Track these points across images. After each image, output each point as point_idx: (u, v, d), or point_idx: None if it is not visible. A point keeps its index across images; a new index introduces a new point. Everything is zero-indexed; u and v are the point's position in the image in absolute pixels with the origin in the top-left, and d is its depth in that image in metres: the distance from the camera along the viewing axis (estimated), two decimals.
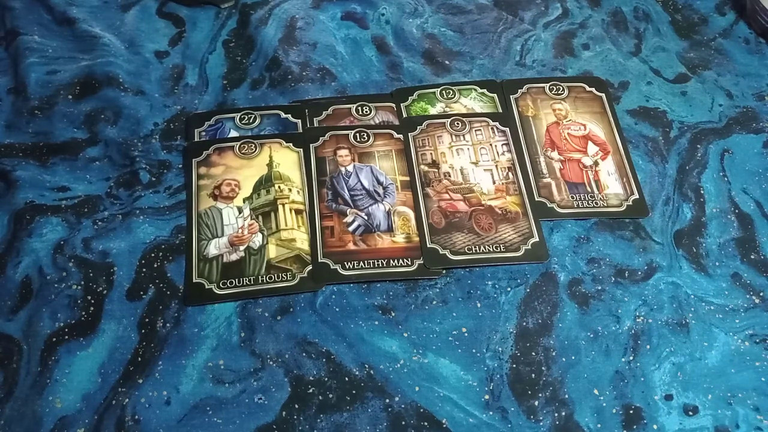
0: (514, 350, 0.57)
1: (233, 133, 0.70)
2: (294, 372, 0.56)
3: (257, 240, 0.62)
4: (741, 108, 0.74)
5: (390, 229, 0.64)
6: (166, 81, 0.75)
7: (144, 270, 0.60)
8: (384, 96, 0.74)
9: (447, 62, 0.78)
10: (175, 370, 0.55)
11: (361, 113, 0.72)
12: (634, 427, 0.54)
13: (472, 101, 0.74)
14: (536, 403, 0.55)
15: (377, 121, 0.72)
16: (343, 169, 0.67)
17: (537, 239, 0.63)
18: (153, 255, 0.61)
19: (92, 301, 0.58)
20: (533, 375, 0.56)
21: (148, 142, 0.69)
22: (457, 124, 0.71)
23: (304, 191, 0.66)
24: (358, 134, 0.70)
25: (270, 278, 0.60)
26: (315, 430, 0.53)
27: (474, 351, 0.57)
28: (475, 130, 0.71)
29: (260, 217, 0.64)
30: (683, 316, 0.59)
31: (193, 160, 0.67)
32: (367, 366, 0.56)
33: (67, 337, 0.56)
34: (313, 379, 0.55)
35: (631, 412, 0.55)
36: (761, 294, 0.61)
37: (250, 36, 0.79)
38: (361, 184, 0.66)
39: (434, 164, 0.68)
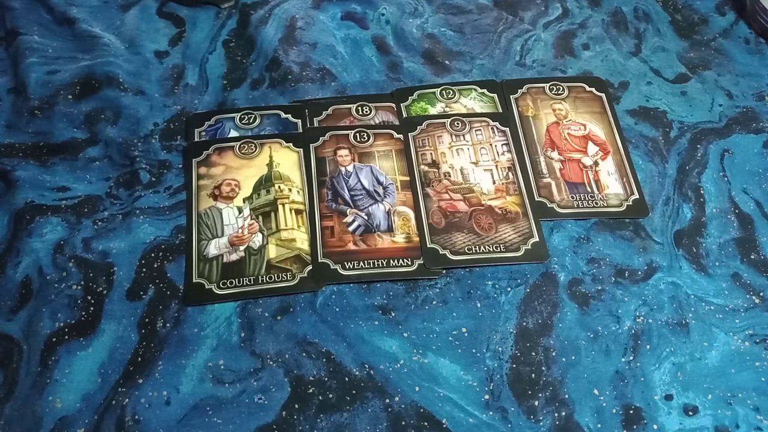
0: (514, 350, 0.57)
1: (233, 133, 0.70)
2: (294, 372, 0.56)
3: (257, 240, 0.62)
4: (741, 108, 0.74)
5: (390, 229, 0.64)
6: (166, 81, 0.75)
7: (144, 270, 0.60)
8: (384, 96, 0.74)
9: (447, 62, 0.78)
10: (175, 370, 0.55)
11: (361, 113, 0.72)
12: (634, 427, 0.54)
13: (472, 101, 0.74)
14: (536, 403, 0.55)
15: (377, 121, 0.72)
16: (343, 169, 0.67)
17: (537, 239, 0.63)
18: (153, 255, 0.61)
19: (92, 301, 0.58)
20: (533, 375, 0.56)
21: (148, 142, 0.69)
22: (457, 124, 0.71)
23: (304, 191, 0.66)
24: (358, 134, 0.70)
25: (270, 278, 0.60)
26: (315, 430, 0.53)
27: (474, 351, 0.57)
28: (475, 130, 0.71)
29: (260, 217, 0.64)
30: (683, 316, 0.59)
31: (193, 160, 0.67)
32: (367, 366, 0.56)
33: (67, 337, 0.56)
34: (313, 379, 0.55)
35: (631, 412, 0.55)
36: (761, 294, 0.61)
37: (250, 36, 0.79)
38: (361, 184, 0.66)
39: (434, 164, 0.68)
